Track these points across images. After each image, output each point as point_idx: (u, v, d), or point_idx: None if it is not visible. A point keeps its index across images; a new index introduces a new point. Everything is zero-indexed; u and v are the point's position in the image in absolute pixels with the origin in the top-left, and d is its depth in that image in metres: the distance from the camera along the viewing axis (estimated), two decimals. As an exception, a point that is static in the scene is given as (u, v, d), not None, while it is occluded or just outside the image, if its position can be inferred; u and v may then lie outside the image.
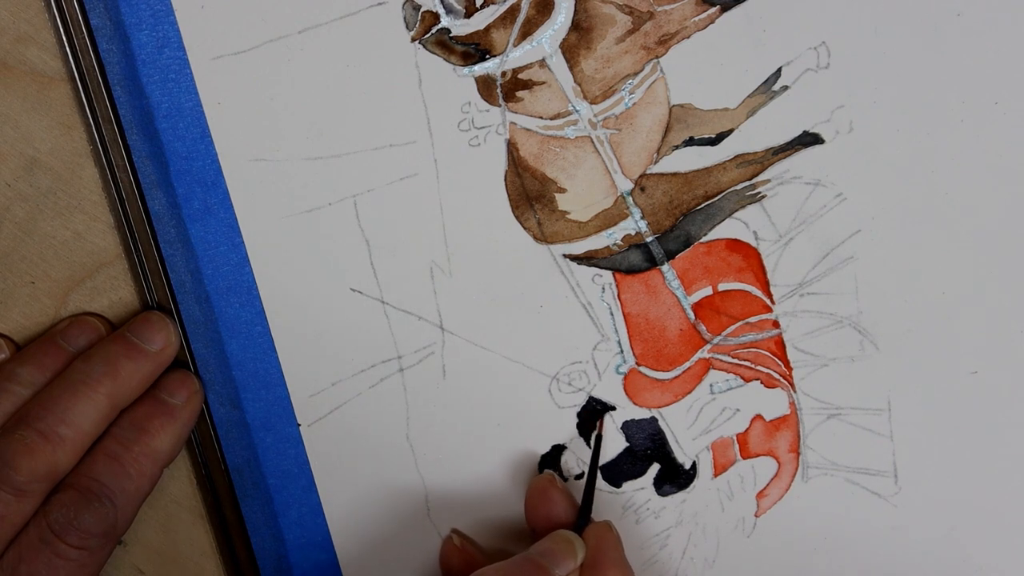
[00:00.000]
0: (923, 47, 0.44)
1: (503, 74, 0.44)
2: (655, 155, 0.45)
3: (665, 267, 0.47)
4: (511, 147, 0.45)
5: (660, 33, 0.44)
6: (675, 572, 0.50)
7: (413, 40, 0.44)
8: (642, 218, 0.46)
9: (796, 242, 0.46)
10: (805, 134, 0.45)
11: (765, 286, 0.47)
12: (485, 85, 0.44)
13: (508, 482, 0.49)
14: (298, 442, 0.48)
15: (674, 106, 0.45)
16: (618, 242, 0.46)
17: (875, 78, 0.44)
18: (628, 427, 0.48)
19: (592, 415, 0.48)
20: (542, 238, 0.46)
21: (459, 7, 0.43)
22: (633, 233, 0.46)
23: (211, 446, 0.48)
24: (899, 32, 0.44)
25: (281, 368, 0.47)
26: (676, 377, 0.48)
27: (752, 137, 0.45)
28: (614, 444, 0.49)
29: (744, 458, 0.49)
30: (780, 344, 0.48)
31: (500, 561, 0.44)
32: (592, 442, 0.48)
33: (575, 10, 0.43)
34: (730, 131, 0.45)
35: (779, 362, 0.48)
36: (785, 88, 0.44)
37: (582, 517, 0.46)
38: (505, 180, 0.45)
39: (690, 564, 0.50)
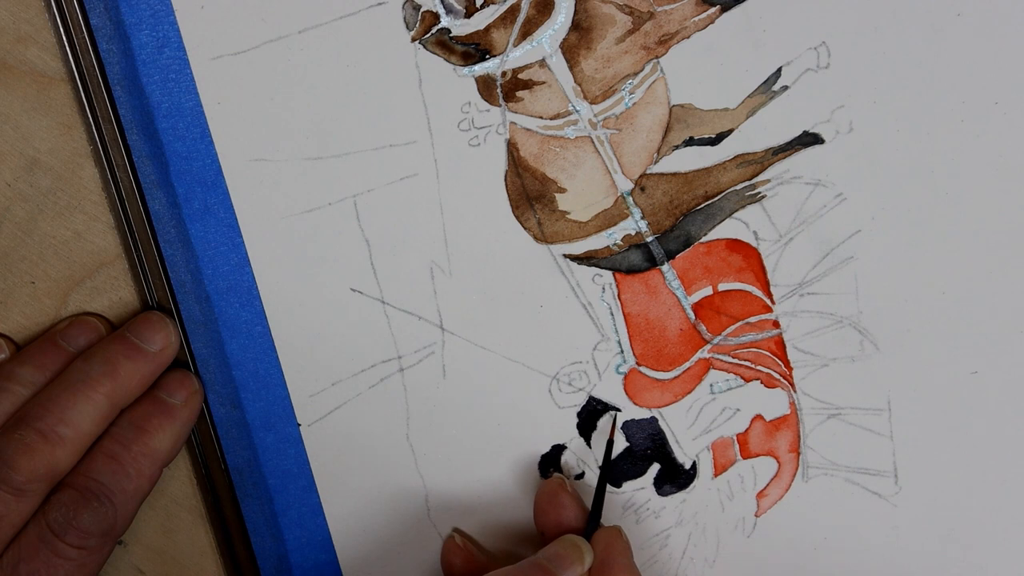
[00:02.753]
0: (923, 47, 0.44)
1: (503, 74, 0.44)
2: (655, 155, 0.45)
3: (665, 267, 0.47)
4: (511, 147, 0.45)
5: (660, 33, 0.44)
6: (675, 572, 0.50)
7: (413, 40, 0.44)
8: (642, 218, 0.46)
9: (796, 242, 0.46)
10: (805, 134, 0.45)
11: (765, 286, 0.47)
12: (485, 85, 0.44)
13: (508, 482, 0.49)
14: (298, 442, 0.48)
15: (674, 106, 0.45)
16: (618, 242, 0.46)
17: (875, 78, 0.44)
18: (628, 427, 0.48)
19: (595, 415, 0.48)
20: (542, 238, 0.46)
21: (459, 7, 0.43)
22: (633, 233, 0.46)
23: (211, 446, 0.48)
24: (899, 32, 0.44)
25: (281, 368, 0.47)
26: (676, 377, 0.48)
27: (752, 137, 0.45)
28: (614, 444, 0.49)
29: (744, 458, 0.49)
30: (780, 344, 0.47)
31: (506, 566, 0.43)
32: (604, 446, 0.48)
33: (575, 10, 0.43)
34: (730, 131, 0.45)
35: (779, 362, 0.48)
36: (785, 88, 0.44)
37: (592, 521, 0.46)
38: (505, 180, 0.45)
39: (690, 564, 0.50)
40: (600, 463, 0.48)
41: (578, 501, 0.47)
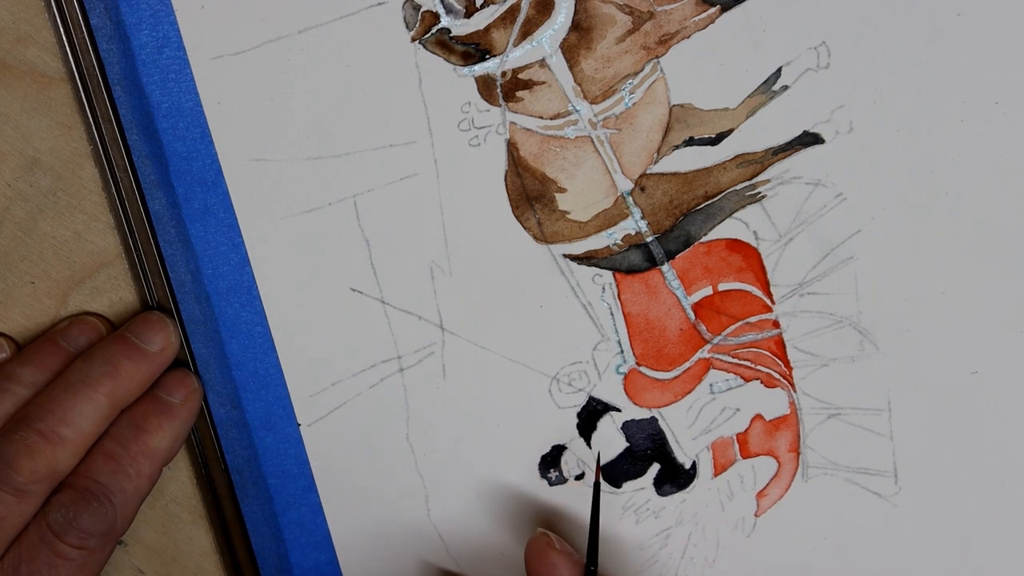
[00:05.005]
0: (923, 47, 0.44)
1: (503, 74, 0.44)
2: (655, 155, 0.45)
3: (665, 267, 0.47)
4: (511, 147, 0.45)
5: (660, 33, 0.44)
6: (675, 572, 0.50)
7: (413, 40, 0.44)
8: (642, 218, 0.46)
9: (796, 242, 0.46)
10: (805, 134, 0.45)
11: (765, 286, 0.47)
12: (485, 85, 0.44)
13: (508, 482, 0.49)
14: (298, 442, 0.48)
15: (674, 106, 0.45)
16: (618, 242, 0.46)
17: (875, 78, 0.44)
18: (628, 427, 0.48)
19: (595, 415, 0.48)
20: (542, 238, 0.46)
21: (459, 7, 0.43)
22: (633, 233, 0.46)
23: (211, 446, 0.48)
24: (899, 32, 0.44)
25: (281, 368, 0.47)
26: (676, 377, 0.48)
27: (752, 137, 0.45)
28: (614, 444, 0.49)
29: (744, 458, 0.49)
30: (780, 344, 0.48)
31: None
32: (592, 491, 0.47)
33: (575, 10, 0.43)
34: (730, 131, 0.45)
35: (779, 362, 0.48)
36: (785, 88, 0.44)
37: None
38: (505, 180, 0.45)
39: (690, 564, 0.50)
40: (593, 496, 0.47)
41: (569, 556, 0.45)
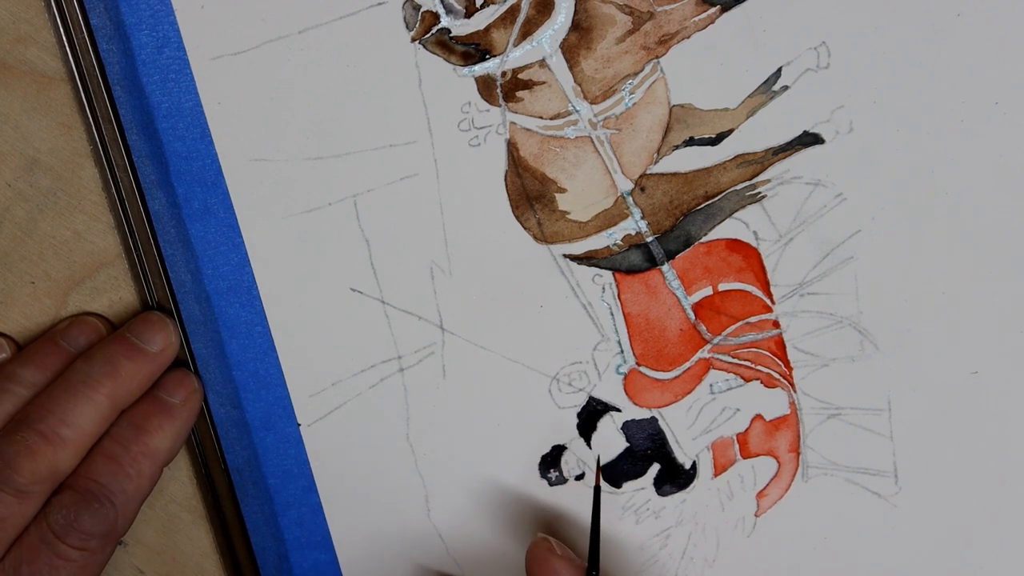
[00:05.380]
0: (923, 47, 0.44)
1: (503, 74, 0.44)
2: (655, 155, 0.45)
3: (665, 267, 0.47)
4: (511, 147, 0.45)
5: (660, 33, 0.44)
6: (675, 572, 0.50)
7: (413, 40, 0.44)
8: (642, 218, 0.46)
9: (796, 242, 0.46)
10: (805, 134, 0.45)
11: (765, 286, 0.47)
12: (485, 85, 0.44)
13: (508, 482, 0.49)
14: (298, 442, 0.48)
15: (674, 106, 0.45)
16: (618, 242, 0.46)
17: (875, 78, 0.44)
18: (628, 427, 0.48)
19: (595, 416, 0.48)
20: (542, 238, 0.46)
21: (459, 7, 0.43)
22: (633, 233, 0.46)
23: (211, 446, 0.48)
24: (899, 32, 0.44)
25: (281, 368, 0.47)
26: (676, 377, 0.48)
27: (752, 137, 0.45)
28: (614, 444, 0.49)
29: (744, 458, 0.49)
30: (780, 344, 0.48)
31: None
32: (593, 495, 0.46)
33: (575, 10, 0.43)
34: (730, 131, 0.45)
35: (779, 362, 0.48)
36: (785, 88, 0.44)
37: None
38: (505, 180, 0.45)
39: (690, 564, 0.50)
40: (592, 510, 0.46)
41: (570, 562, 0.45)
